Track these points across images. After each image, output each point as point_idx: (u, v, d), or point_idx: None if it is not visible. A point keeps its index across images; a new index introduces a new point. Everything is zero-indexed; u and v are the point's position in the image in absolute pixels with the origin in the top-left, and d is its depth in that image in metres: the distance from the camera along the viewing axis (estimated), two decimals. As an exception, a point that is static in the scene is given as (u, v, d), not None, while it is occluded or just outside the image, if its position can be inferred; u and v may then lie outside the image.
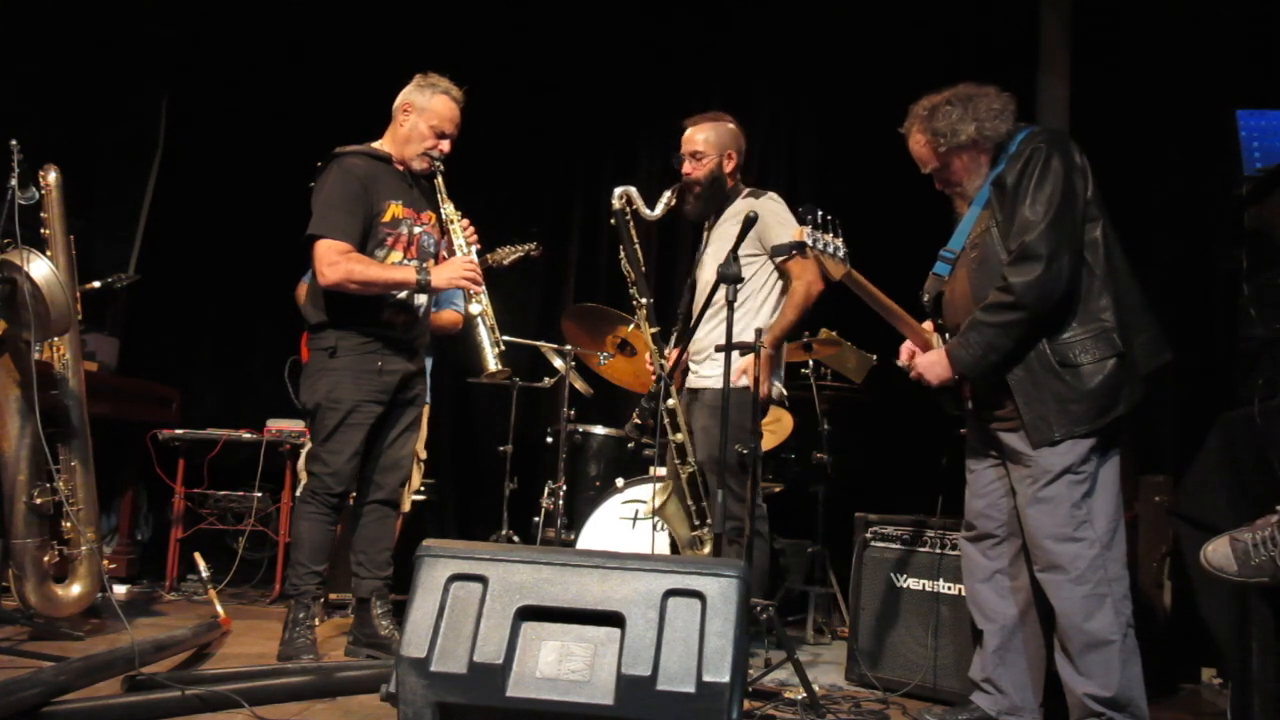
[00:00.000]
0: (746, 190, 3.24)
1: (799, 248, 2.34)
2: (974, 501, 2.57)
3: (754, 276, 3.11)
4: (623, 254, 3.12)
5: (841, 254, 2.38)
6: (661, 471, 3.39)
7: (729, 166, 3.19)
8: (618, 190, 3.10)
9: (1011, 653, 2.48)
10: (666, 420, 3.01)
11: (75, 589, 3.07)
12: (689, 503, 3.00)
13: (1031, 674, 2.48)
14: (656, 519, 3.15)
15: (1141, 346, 2.35)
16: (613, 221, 3.11)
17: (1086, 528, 2.29)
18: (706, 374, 3.15)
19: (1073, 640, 2.28)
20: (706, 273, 3.24)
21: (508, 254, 3.93)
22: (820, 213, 2.35)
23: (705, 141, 3.16)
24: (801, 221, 2.34)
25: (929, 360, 2.46)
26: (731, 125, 3.22)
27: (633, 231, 3.12)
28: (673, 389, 3.04)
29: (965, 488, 2.61)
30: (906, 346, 2.61)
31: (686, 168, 3.19)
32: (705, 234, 3.32)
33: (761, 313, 3.14)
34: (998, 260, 2.37)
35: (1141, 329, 2.35)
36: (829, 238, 2.36)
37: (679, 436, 3.00)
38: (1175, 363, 2.40)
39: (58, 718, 2.05)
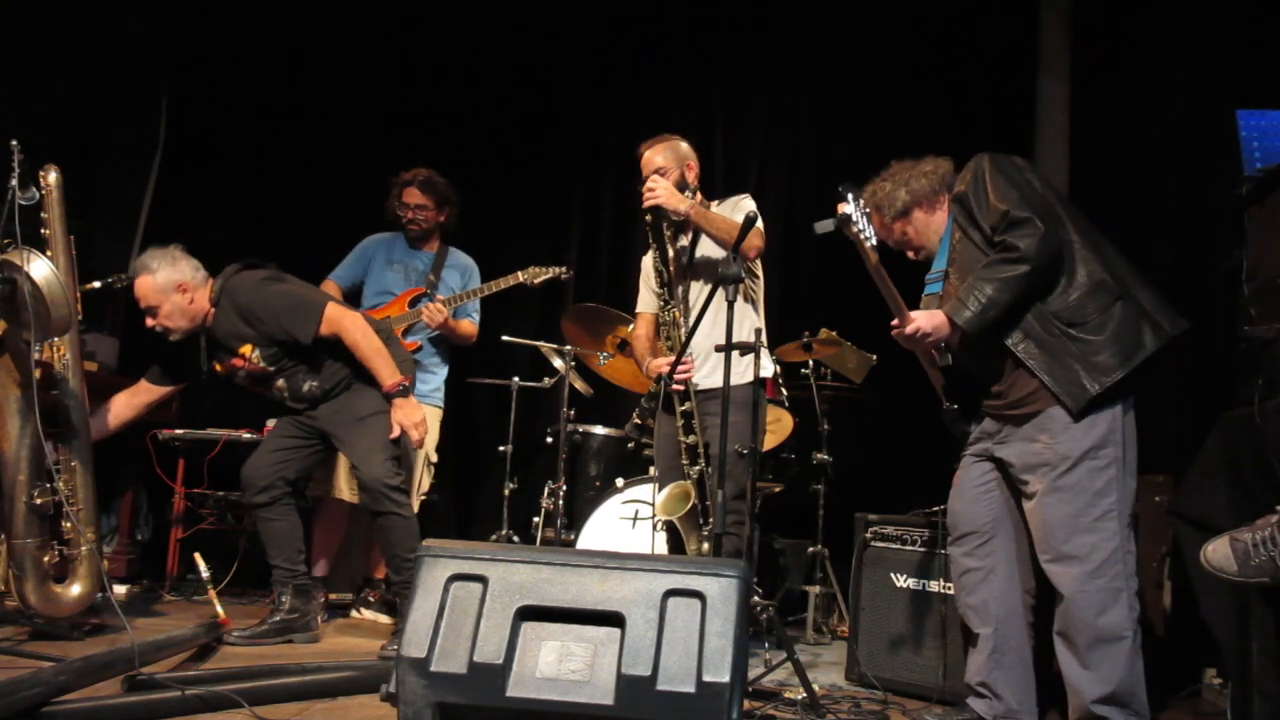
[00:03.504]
0: (716, 201, 3.27)
1: (844, 221, 2.29)
2: (954, 503, 2.58)
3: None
4: (654, 253, 3.10)
5: (874, 242, 2.39)
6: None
7: (691, 176, 3.23)
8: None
9: (1007, 655, 2.46)
10: (681, 422, 2.98)
11: (75, 589, 3.07)
12: (694, 502, 2.99)
13: (1027, 676, 2.47)
14: (658, 519, 3.14)
15: (1152, 304, 2.36)
16: (648, 218, 3.07)
17: (1108, 519, 2.28)
18: (710, 374, 3.16)
19: (1082, 634, 2.27)
20: (698, 280, 3.24)
21: (538, 274, 4.02)
22: (856, 192, 2.35)
23: (665, 158, 3.20)
24: (840, 199, 2.31)
25: (928, 313, 2.43)
26: (684, 143, 3.28)
27: (666, 230, 3.11)
28: (691, 391, 3.01)
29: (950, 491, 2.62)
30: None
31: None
32: (673, 245, 3.30)
33: (749, 311, 3.14)
34: (977, 264, 2.41)
35: (1142, 289, 2.38)
36: (865, 222, 2.36)
37: (691, 438, 2.99)
38: (1175, 362, 2.40)
39: (58, 718, 2.05)
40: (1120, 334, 2.30)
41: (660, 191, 3.04)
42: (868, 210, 2.41)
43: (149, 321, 3.28)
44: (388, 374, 3.24)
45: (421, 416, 3.30)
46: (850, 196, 2.31)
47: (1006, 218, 2.35)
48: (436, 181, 4.10)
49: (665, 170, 3.18)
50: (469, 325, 4.10)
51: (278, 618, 3.26)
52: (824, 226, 2.35)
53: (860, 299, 4.71)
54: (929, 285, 2.61)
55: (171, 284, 3.23)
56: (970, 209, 2.46)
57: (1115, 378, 2.28)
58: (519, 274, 4.02)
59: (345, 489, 3.80)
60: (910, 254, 2.69)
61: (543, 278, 4.03)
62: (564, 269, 4.08)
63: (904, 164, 2.65)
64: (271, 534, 3.34)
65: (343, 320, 3.25)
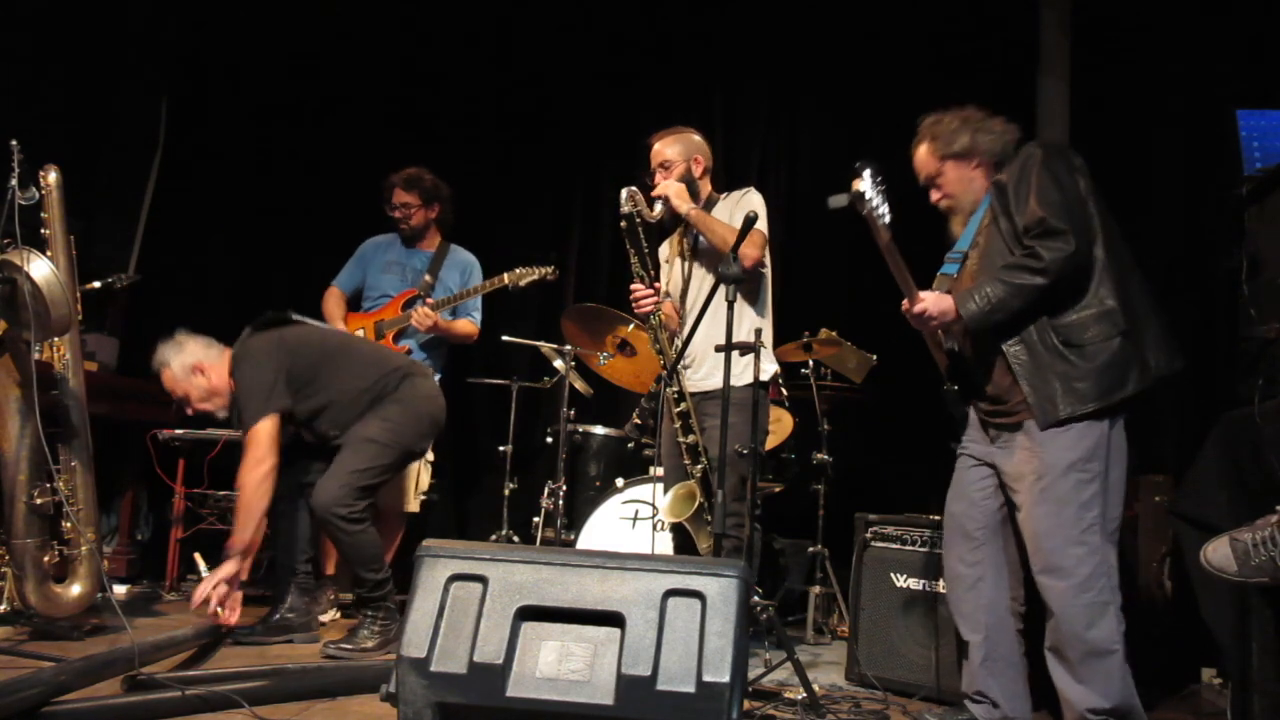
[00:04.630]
0: (724, 194, 3.26)
1: (858, 198, 2.25)
2: (954, 504, 2.56)
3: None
4: (633, 257, 3.08)
5: (888, 219, 2.33)
6: (659, 471, 3.38)
7: (698, 171, 3.23)
8: (625, 191, 3.05)
9: (999, 663, 2.46)
10: (679, 423, 2.99)
11: (75, 589, 3.07)
12: (700, 501, 2.99)
13: (1020, 680, 2.47)
14: (658, 519, 3.14)
15: (1154, 342, 2.34)
16: (623, 224, 3.05)
17: (1092, 532, 2.27)
18: (713, 374, 3.16)
19: (1072, 647, 2.26)
20: (701, 276, 3.23)
21: (524, 275, 3.98)
22: (873, 169, 2.30)
23: (673, 150, 3.21)
24: (856, 174, 2.27)
25: (936, 296, 2.41)
26: (696, 135, 3.28)
27: (642, 234, 3.10)
28: (686, 391, 3.02)
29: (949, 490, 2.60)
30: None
31: (659, 178, 3.23)
32: (681, 241, 3.31)
33: (748, 310, 3.12)
34: (1000, 255, 2.39)
35: (1149, 323, 2.35)
36: (880, 200, 2.30)
37: (690, 438, 2.99)
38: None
39: (58, 717, 2.05)
40: (1108, 369, 2.28)
41: (669, 190, 3.07)
42: (883, 187, 2.34)
43: (189, 411, 3.32)
44: (240, 534, 3.08)
45: (225, 579, 3.02)
46: (866, 173, 2.27)
47: (1042, 224, 2.30)
48: (421, 178, 4.10)
49: (671, 163, 3.18)
50: (466, 325, 4.09)
51: (277, 616, 3.26)
52: (837, 201, 2.30)
53: (860, 299, 4.73)
54: (946, 265, 2.57)
55: (187, 369, 3.25)
56: (1008, 198, 2.40)
57: (1086, 409, 2.27)
58: (504, 275, 4.00)
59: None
60: (934, 194, 2.60)
61: (529, 279, 3.98)
62: (550, 269, 4.01)
63: (978, 111, 2.56)
64: (280, 531, 3.36)
65: (254, 446, 3.11)
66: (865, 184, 2.26)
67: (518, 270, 4.00)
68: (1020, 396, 2.36)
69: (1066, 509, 2.28)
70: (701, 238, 3.13)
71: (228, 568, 3.03)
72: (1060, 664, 2.30)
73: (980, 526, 2.49)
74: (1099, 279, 2.33)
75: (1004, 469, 2.43)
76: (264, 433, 3.12)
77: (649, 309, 3.08)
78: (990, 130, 2.52)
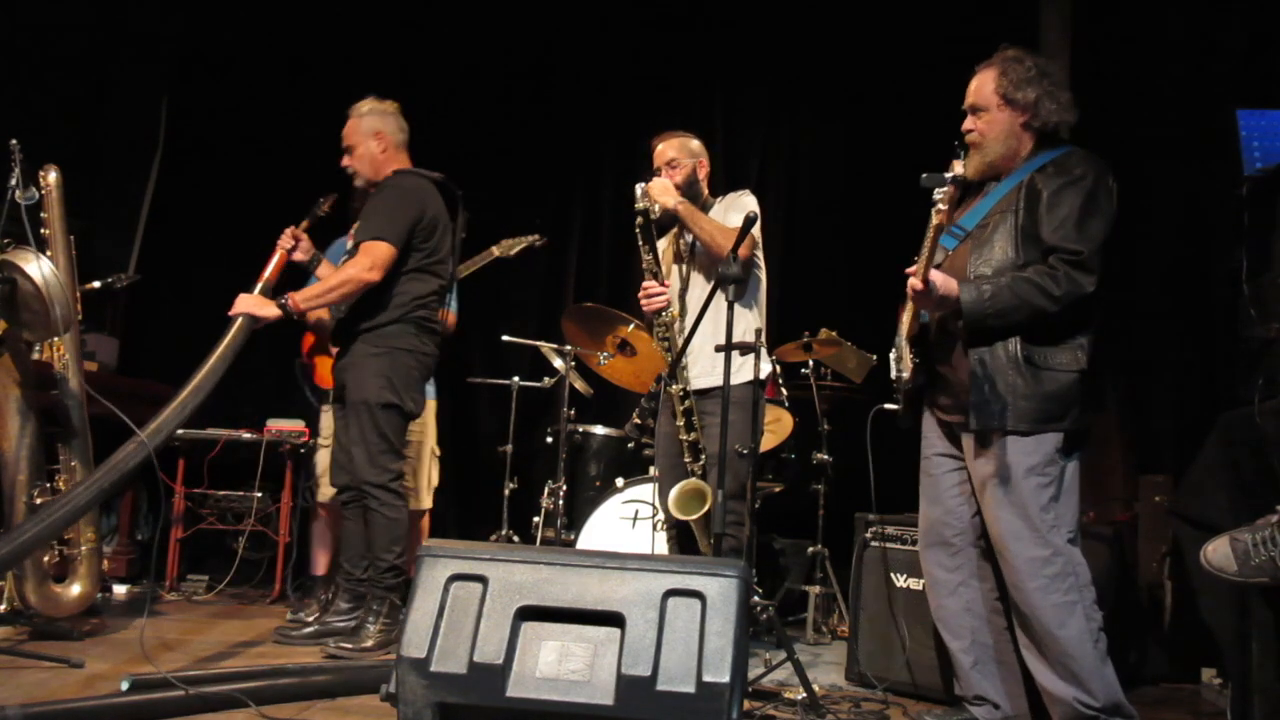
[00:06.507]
0: (719, 198, 3.27)
1: (957, 181, 2.23)
2: (930, 509, 2.56)
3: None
4: (646, 254, 3.07)
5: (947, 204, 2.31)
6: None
7: (702, 173, 3.25)
8: (640, 188, 3.05)
9: (990, 664, 2.47)
10: (682, 421, 2.99)
11: (75, 589, 3.07)
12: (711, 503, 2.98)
13: (1010, 681, 2.47)
14: (659, 518, 3.13)
15: (1101, 384, 2.34)
16: (639, 220, 3.04)
17: (1055, 533, 2.28)
18: (713, 373, 3.16)
19: (1048, 647, 2.27)
20: (698, 275, 3.23)
21: (512, 245, 3.99)
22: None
23: (678, 150, 3.23)
24: (956, 156, 2.28)
25: (944, 277, 2.36)
26: (696, 141, 3.30)
27: (655, 231, 3.10)
28: (689, 389, 3.02)
29: (920, 495, 2.59)
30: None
31: (665, 175, 3.22)
32: (678, 242, 3.31)
33: (744, 311, 3.12)
34: (1001, 247, 2.38)
35: (1103, 364, 2.36)
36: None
37: (692, 435, 2.99)
38: (1175, 362, 2.40)
39: (59, 717, 2.05)
40: (1055, 398, 2.29)
41: (654, 185, 3.07)
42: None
43: (343, 160, 3.41)
44: (304, 298, 3.19)
45: (255, 311, 3.10)
46: (962, 154, 2.29)
47: (1078, 257, 2.28)
48: None
49: (676, 162, 3.20)
50: (449, 317, 4.03)
51: (316, 623, 3.21)
52: (934, 181, 2.24)
53: (860, 299, 4.73)
54: (945, 236, 2.52)
55: (371, 130, 3.39)
56: (1039, 202, 2.35)
57: (1019, 428, 2.29)
58: (493, 249, 4.00)
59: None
60: (969, 122, 2.51)
61: (518, 248, 4.00)
62: (537, 236, 4.04)
63: (1060, 73, 2.49)
64: (346, 532, 3.31)
65: (367, 255, 3.15)
66: (961, 166, 2.26)
67: (504, 242, 4.01)
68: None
69: (1026, 513, 2.28)
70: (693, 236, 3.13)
71: (269, 309, 3.10)
72: (1039, 662, 2.31)
73: (958, 532, 2.49)
74: (1084, 318, 2.34)
75: (971, 471, 2.44)
76: (383, 252, 3.17)
77: (659, 305, 3.08)
78: (1057, 99, 2.43)
